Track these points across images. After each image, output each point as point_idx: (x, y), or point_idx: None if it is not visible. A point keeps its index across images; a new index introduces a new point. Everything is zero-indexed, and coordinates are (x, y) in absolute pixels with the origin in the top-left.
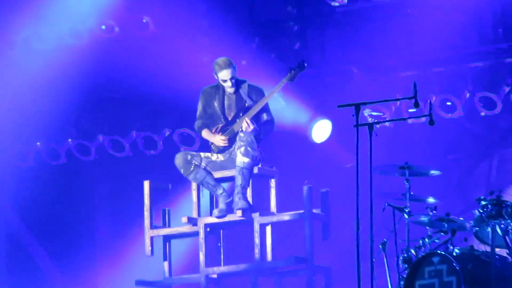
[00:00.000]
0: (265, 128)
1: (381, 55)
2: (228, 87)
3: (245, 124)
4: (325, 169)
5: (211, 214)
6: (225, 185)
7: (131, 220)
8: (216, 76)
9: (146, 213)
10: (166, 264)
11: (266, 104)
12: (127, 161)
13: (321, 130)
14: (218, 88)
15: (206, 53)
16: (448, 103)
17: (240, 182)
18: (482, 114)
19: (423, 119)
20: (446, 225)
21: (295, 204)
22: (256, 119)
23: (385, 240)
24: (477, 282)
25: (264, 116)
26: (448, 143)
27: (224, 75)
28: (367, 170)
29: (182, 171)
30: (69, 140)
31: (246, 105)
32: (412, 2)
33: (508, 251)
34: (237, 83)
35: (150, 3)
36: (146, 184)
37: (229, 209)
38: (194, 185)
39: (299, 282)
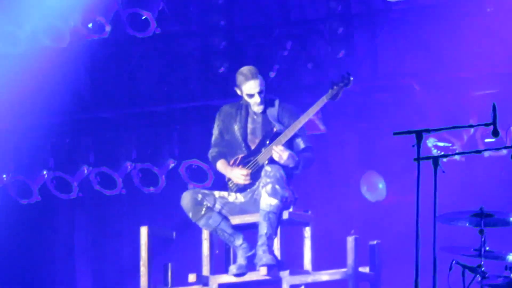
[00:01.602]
0: (303, 159)
1: (450, 67)
2: (256, 104)
3: (276, 154)
4: (376, 215)
5: (227, 272)
6: (246, 234)
7: (123, 278)
8: (239, 91)
9: (143, 269)
10: None
11: (302, 129)
12: (119, 200)
13: (373, 186)
14: (240, 107)
15: (223, 61)
16: None
17: (265, 231)
18: None
19: (504, 151)
20: None
21: (336, 260)
22: (287, 148)
23: None
24: None
25: (300, 144)
26: None
27: (251, 87)
28: (430, 217)
29: (190, 215)
30: (44, 172)
31: (275, 130)
32: None
33: None
34: (265, 102)
35: None
36: (144, 231)
37: (251, 265)
38: (205, 234)
39: None
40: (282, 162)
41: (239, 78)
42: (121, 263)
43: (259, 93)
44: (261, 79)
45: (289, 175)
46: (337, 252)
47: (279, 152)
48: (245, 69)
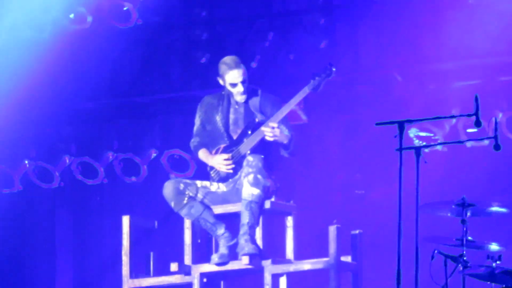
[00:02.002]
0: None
1: (432, 58)
2: (239, 93)
3: (269, 129)
4: (358, 204)
5: (209, 261)
6: (228, 223)
7: (105, 267)
8: (221, 80)
9: (125, 258)
10: None
11: (284, 118)
12: (101, 190)
13: None
14: (222, 98)
15: (204, 52)
16: None
17: (247, 220)
18: None
19: (486, 142)
20: None
21: (318, 250)
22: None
23: None
24: None
25: (284, 132)
26: None
27: (234, 76)
28: (412, 207)
29: (172, 205)
30: (26, 162)
31: (257, 120)
32: None
33: None
34: (248, 92)
35: None
36: (126, 220)
37: (233, 254)
38: (187, 223)
39: None
40: (276, 138)
41: (222, 67)
42: (102, 252)
43: (242, 82)
44: (244, 69)
45: (272, 165)
46: (319, 241)
47: (271, 131)
48: (228, 58)
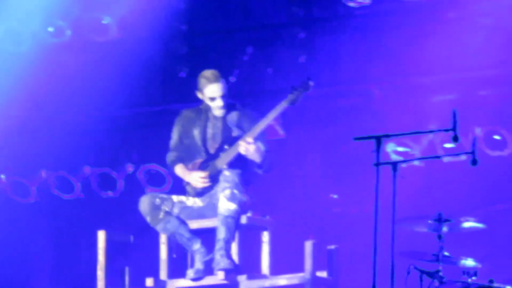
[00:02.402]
0: (268, 158)
1: (410, 72)
2: (218, 107)
3: (243, 147)
4: (334, 220)
5: (184, 276)
6: (203, 238)
7: (80, 281)
8: (200, 94)
9: (100, 273)
10: None
11: (261, 133)
12: (77, 204)
13: None
14: (200, 112)
15: (183, 65)
16: (497, 137)
17: (223, 235)
18: None
19: (464, 157)
20: None
21: (294, 265)
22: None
23: None
24: None
25: (260, 147)
26: (495, 189)
27: (213, 90)
28: (388, 222)
29: (148, 219)
30: (2, 176)
31: (234, 135)
32: (454, 4)
33: None
34: (227, 106)
35: (112, 0)
36: (101, 235)
37: (208, 269)
38: (163, 238)
39: None
40: (249, 154)
41: (202, 81)
42: (78, 267)
43: (222, 96)
44: (224, 83)
45: (248, 180)
46: (295, 256)
47: (246, 146)
48: (207, 72)
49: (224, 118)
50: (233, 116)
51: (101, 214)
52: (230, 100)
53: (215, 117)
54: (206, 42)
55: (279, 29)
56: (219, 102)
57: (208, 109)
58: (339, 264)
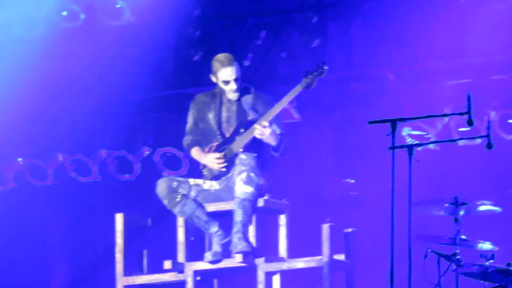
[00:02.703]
0: (284, 141)
1: (424, 57)
2: (231, 91)
3: (260, 128)
4: (350, 203)
5: (202, 259)
6: (221, 221)
7: (98, 264)
8: (214, 78)
9: (119, 256)
10: None
11: (276, 116)
12: (94, 187)
13: None
14: (215, 96)
15: (197, 49)
16: (511, 121)
17: (240, 218)
18: None
19: (479, 141)
20: (506, 278)
21: (311, 248)
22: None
23: None
24: None
25: (276, 130)
26: (511, 172)
27: (227, 74)
28: (405, 205)
29: (165, 202)
30: (19, 159)
31: (249, 118)
32: None
33: None
34: (240, 90)
35: None
36: (119, 218)
37: (226, 252)
38: (180, 221)
39: None
40: (264, 138)
41: (215, 64)
42: (96, 250)
43: (235, 80)
44: (237, 66)
45: (264, 163)
46: (312, 239)
47: (261, 129)
48: (221, 56)
49: (238, 101)
50: (248, 99)
51: (118, 197)
52: (245, 84)
53: (229, 101)
54: (219, 27)
55: (292, 14)
56: (233, 85)
57: (222, 92)
58: (356, 247)
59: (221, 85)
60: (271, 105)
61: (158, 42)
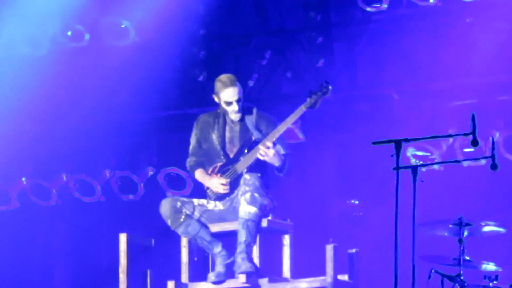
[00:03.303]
0: (288, 161)
1: (429, 77)
2: (233, 111)
3: (263, 149)
4: (354, 223)
5: (205, 279)
6: (224, 241)
7: (102, 284)
8: (216, 98)
9: (122, 276)
10: None
11: (281, 137)
12: (98, 207)
13: None
14: (218, 116)
15: (201, 70)
16: None
17: (244, 239)
18: None
19: (483, 161)
20: None
21: (315, 268)
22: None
23: None
24: None
25: (280, 151)
26: None
27: (229, 95)
28: (409, 226)
29: (169, 223)
30: (23, 179)
31: (253, 138)
32: (472, 8)
33: None
34: (243, 110)
35: (131, 4)
36: (123, 238)
37: (229, 272)
38: (184, 241)
39: None
40: (268, 159)
41: (218, 85)
42: (100, 270)
43: (237, 101)
44: (239, 87)
45: (268, 183)
46: (316, 260)
47: (265, 150)
48: (223, 76)
49: (242, 121)
50: (251, 119)
51: (122, 217)
52: (248, 104)
53: (232, 121)
54: (224, 47)
55: (297, 34)
56: (235, 107)
57: (225, 112)
58: (360, 268)
59: (224, 105)
60: (275, 125)
61: (162, 62)
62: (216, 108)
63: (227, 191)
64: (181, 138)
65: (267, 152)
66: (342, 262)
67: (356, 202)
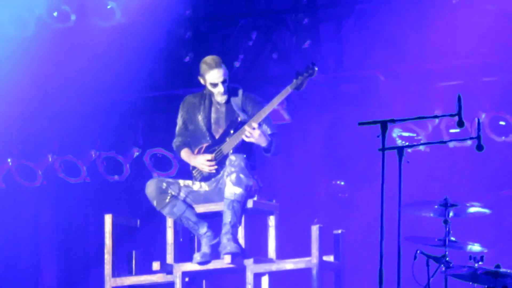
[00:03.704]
0: (275, 141)
1: (415, 58)
2: (219, 93)
3: (249, 129)
4: (340, 204)
5: (191, 260)
6: (210, 222)
7: (87, 265)
8: (202, 80)
9: (107, 257)
10: None
11: (267, 117)
12: (84, 188)
13: None
14: (204, 97)
15: (188, 51)
16: (502, 123)
17: (229, 219)
18: None
19: (469, 142)
20: (495, 280)
21: (300, 249)
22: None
23: None
24: None
25: (267, 131)
26: (501, 174)
27: (215, 76)
28: (394, 207)
29: (154, 203)
30: (9, 160)
31: (239, 119)
32: None
33: None
34: (229, 91)
35: None
36: (108, 219)
37: (215, 253)
38: (169, 222)
39: None
40: (253, 140)
41: (203, 67)
42: (85, 250)
43: (223, 82)
44: (225, 69)
45: (254, 164)
46: (301, 241)
47: (250, 131)
48: (209, 58)
49: (228, 102)
50: (237, 100)
51: (107, 198)
52: (234, 85)
53: (218, 102)
54: (210, 28)
55: (284, 15)
56: (220, 88)
57: (211, 94)
58: (346, 249)
59: (209, 87)
60: (261, 106)
61: (149, 43)
62: (202, 89)
63: (212, 169)
64: (167, 119)
65: (252, 133)
66: (328, 243)
67: (342, 183)
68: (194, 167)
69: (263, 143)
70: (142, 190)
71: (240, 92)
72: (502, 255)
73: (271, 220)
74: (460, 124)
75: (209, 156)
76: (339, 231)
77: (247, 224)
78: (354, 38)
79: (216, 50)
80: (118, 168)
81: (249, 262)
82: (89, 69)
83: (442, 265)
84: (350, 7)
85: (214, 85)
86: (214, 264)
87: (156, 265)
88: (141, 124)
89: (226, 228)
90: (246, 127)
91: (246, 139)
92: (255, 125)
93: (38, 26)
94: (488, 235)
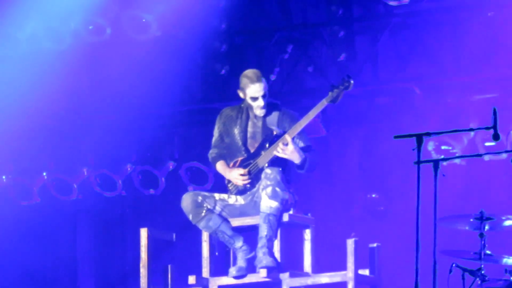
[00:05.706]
0: (309, 157)
1: (450, 71)
2: (259, 107)
3: (280, 146)
4: (375, 217)
5: (226, 274)
6: (246, 236)
7: (123, 279)
8: (242, 93)
9: (143, 271)
10: None
11: (302, 132)
12: (119, 202)
13: None
14: (241, 111)
15: (223, 64)
16: None
17: (265, 233)
18: None
19: (504, 155)
20: None
21: (336, 263)
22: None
23: None
24: None
25: (300, 144)
26: None
27: (255, 90)
28: (430, 220)
29: (190, 217)
30: (44, 174)
31: (275, 133)
32: (493, 2)
33: None
34: (268, 106)
35: None
36: (144, 232)
37: (251, 267)
38: (205, 236)
39: None
40: (286, 156)
41: (244, 80)
42: (122, 264)
43: (263, 96)
44: (265, 83)
45: (290, 178)
46: (337, 254)
47: (282, 147)
48: (250, 72)
49: (264, 117)
50: (274, 115)
51: (143, 212)
52: (272, 99)
53: (255, 116)
54: (246, 41)
55: (319, 28)
56: (260, 102)
57: (249, 108)
58: (381, 262)
59: (249, 101)
60: (297, 121)
61: (184, 56)
62: (240, 103)
63: (246, 183)
64: (202, 133)
65: (284, 149)
66: (363, 257)
67: (377, 196)
68: (229, 181)
69: (296, 159)
70: (177, 203)
71: (278, 107)
72: None
73: (307, 234)
74: (496, 137)
75: (242, 171)
76: (375, 245)
77: (283, 237)
78: (389, 51)
79: (251, 63)
80: (153, 182)
81: (284, 276)
82: (124, 83)
83: (477, 279)
84: (386, 20)
85: (254, 99)
86: (250, 278)
87: (191, 279)
88: (176, 137)
89: (261, 242)
90: (279, 142)
91: (278, 155)
92: (288, 139)
93: (73, 40)
94: None
